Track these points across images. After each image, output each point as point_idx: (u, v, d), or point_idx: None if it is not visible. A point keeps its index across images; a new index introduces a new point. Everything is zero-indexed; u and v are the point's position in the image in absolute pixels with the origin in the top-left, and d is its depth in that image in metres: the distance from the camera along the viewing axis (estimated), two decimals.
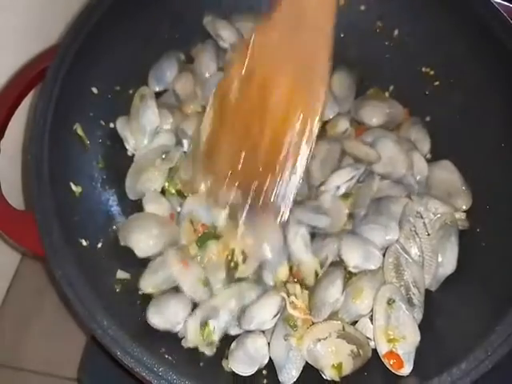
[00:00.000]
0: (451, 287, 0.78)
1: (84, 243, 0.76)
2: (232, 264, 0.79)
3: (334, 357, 0.72)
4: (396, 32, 0.93)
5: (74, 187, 0.79)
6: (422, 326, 0.74)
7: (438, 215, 0.80)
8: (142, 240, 0.80)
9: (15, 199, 1.00)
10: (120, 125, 0.88)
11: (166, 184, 0.86)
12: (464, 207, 0.83)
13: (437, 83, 0.90)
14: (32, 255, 1.05)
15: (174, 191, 0.86)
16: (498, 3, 0.84)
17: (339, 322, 0.73)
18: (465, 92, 0.86)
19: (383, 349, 0.71)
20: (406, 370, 0.70)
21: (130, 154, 0.89)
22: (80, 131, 0.82)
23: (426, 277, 0.77)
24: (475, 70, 0.84)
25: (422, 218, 0.79)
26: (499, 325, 0.66)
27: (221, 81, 0.77)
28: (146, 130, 0.87)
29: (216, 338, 0.75)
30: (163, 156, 0.87)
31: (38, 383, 1.03)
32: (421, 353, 0.71)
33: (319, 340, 0.72)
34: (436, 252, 0.78)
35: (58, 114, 0.76)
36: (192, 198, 0.83)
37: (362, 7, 0.95)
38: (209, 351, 0.74)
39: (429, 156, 0.89)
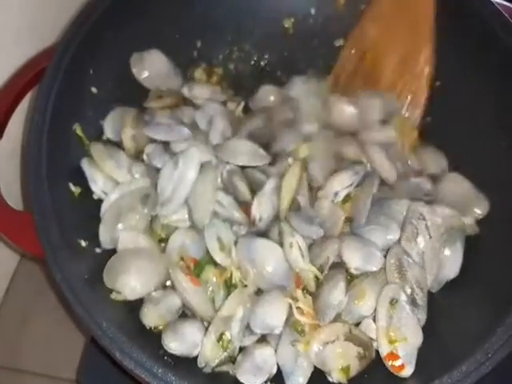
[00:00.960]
0: (452, 289, 0.78)
1: (83, 244, 0.76)
2: (233, 282, 0.77)
3: (341, 359, 0.71)
4: None
5: (73, 188, 0.78)
6: (423, 328, 0.73)
7: (442, 218, 0.79)
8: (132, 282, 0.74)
9: (14, 200, 1.00)
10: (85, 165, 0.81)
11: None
12: (481, 213, 0.81)
13: (438, 83, 0.90)
14: (31, 256, 1.05)
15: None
16: (499, 3, 0.84)
17: (346, 325, 0.73)
18: (466, 92, 0.86)
19: (384, 350, 0.71)
20: (407, 371, 0.70)
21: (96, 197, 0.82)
22: (79, 131, 0.81)
23: (428, 277, 0.76)
24: (476, 71, 0.84)
25: (424, 220, 0.78)
26: (500, 327, 0.66)
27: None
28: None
29: (236, 345, 0.72)
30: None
31: None
32: (421, 355, 0.71)
33: (327, 343, 0.72)
34: (437, 255, 0.77)
35: (56, 114, 0.76)
36: (179, 232, 0.78)
37: (363, 6, 0.94)
38: (230, 368, 0.72)
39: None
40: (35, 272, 1.10)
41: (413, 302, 0.74)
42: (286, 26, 0.99)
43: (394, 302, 0.72)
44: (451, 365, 0.64)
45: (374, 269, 0.76)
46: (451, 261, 0.78)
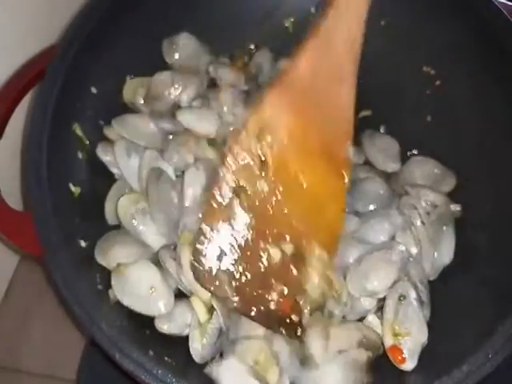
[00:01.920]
0: (452, 290, 0.78)
1: (83, 244, 0.76)
2: None
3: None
4: (397, 31, 0.93)
5: (72, 188, 0.78)
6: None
7: (430, 204, 0.81)
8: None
9: (13, 200, 1.00)
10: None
11: None
12: (449, 188, 0.84)
13: (438, 83, 0.90)
14: (30, 256, 1.05)
15: None
16: (500, 3, 0.84)
17: (360, 332, 0.73)
18: (466, 92, 0.86)
19: (388, 342, 0.71)
20: (409, 365, 0.70)
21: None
22: (79, 131, 0.82)
23: (425, 265, 0.78)
24: (476, 70, 0.84)
25: (416, 209, 0.79)
26: (501, 326, 0.65)
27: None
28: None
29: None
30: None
31: None
32: (421, 355, 0.71)
33: (340, 352, 0.71)
34: (433, 240, 0.78)
35: (56, 114, 0.76)
36: None
37: None
38: None
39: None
40: (35, 273, 1.10)
41: (419, 299, 0.74)
42: (286, 25, 0.99)
43: (402, 299, 0.73)
44: (451, 365, 0.64)
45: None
46: (445, 246, 0.79)
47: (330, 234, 0.73)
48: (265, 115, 0.67)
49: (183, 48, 0.93)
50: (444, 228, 0.80)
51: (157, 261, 0.76)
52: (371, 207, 0.83)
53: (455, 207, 0.82)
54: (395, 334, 0.71)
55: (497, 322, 0.66)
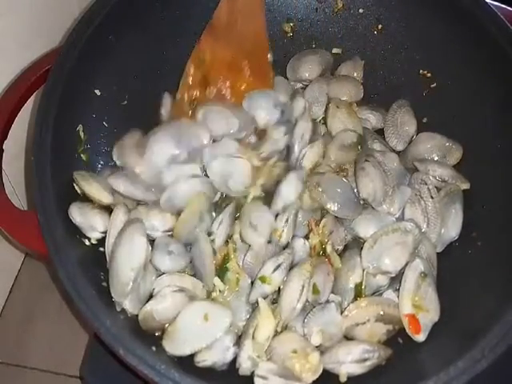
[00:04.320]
0: (449, 286, 0.78)
1: (87, 242, 0.77)
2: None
3: (369, 337, 0.74)
4: (394, 35, 0.94)
5: (77, 188, 0.79)
6: None
7: (439, 179, 0.84)
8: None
9: (18, 199, 1.01)
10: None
11: None
12: (456, 160, 0.87)
13: (434, 85, 0.91)
14: (35, 254, 1.06)
15: None
16: (495, 5, 0.84)
17: (379, 307, 0.75)
18: (461, 94, 0.87)
19: (406, 309, 0.74)
20: (421, 337, 0.73)
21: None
22: (83, 132, 0.82)
23: (432, 236, 0.81)
24: (472, 72, 0.85)
25: (426, 184, 0.83)
26: (496, 323, 0.66)
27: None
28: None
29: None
30: None
31: (41, 381, 1.04)
32: (418, 352, 0.72)
33: (357, 325, 0.74)
34: (440, 213, 0.82)
35: (60, 115, 0.77)
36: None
37: (361, 10, 0.96)
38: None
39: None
40: (39, 270, 1.11)
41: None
42: (286, 29, 1.00)
43: (423, 276, 0.75)
44: (447, 361, 0.64)
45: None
46: (452, 220, 0.82)
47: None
48: (202, 50, 0.91)
49: None
50: (452, 204, 0.82)
51: None
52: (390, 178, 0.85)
53: (465, 185, 0.84)
54: (415, 306, 0.74)
55: (492, 320, 0.66)
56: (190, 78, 0.91)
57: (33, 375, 1.05)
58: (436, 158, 0.87)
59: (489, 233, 0.79)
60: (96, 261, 0.76)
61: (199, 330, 0.72)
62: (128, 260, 0.72)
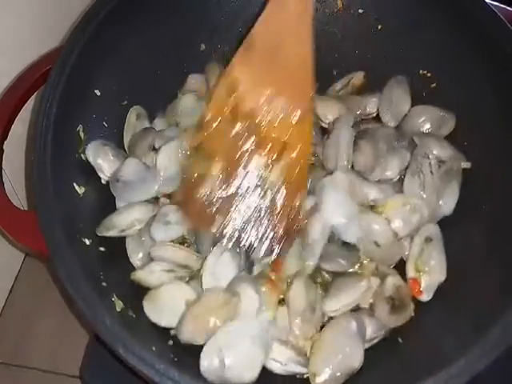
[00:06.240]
0: (446, 293, 0.78)
1: (87, 242, 0.77)
2: None
3: None
4: (394, 35, 0.94)
5: (77, 188, 0.79)
6: (420, 324, 0.75)
7: (439, 156, 0.85)
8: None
9: (18, 199, 1.01)
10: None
11: None
12: (448, 131, 0.88)
13: (434, 85, 0.91)
14: (35, 254, 1.06)
15: None
16: (495, 5, 0.85)
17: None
18: (462, 94, 0.87)
19: (410, 274, 0.79)
20: (425, 297, 0.78)
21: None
22: (83, 132, 0.83)
23: (425, 210, 0.82)
24: (472, 73, 0.85)
25: (428, 158, 0.84)
26: (497, 322, 0.65)
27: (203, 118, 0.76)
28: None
29: None
30: None
31: (41, 381, 1.05)
32: (415, 351, 0.73)
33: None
34: (437, 189, 0.83)
35: (60, 116, 0.77)
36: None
37: (360, 10, 0.96)
38: None
39: None
40: (40, 270, 1.11)
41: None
42: None
43: (428, 241, 0.80)
44: (447, 360, 0.64)
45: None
46: (448, 197, 0.84)
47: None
48: (233, 75, 0.75)
49: None
50: (450, 181, 0.84)
51: None
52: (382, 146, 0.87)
53: (465, 164, 0.85)
54: (417, 270, 0.79)
55: (492, 319, 0.66)
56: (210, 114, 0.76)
57: (33, 375, 1.05)
58: (430, 129, 0.89)
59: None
60: (96, 261, 0.76)
61: (178, 311, 0.74)
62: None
